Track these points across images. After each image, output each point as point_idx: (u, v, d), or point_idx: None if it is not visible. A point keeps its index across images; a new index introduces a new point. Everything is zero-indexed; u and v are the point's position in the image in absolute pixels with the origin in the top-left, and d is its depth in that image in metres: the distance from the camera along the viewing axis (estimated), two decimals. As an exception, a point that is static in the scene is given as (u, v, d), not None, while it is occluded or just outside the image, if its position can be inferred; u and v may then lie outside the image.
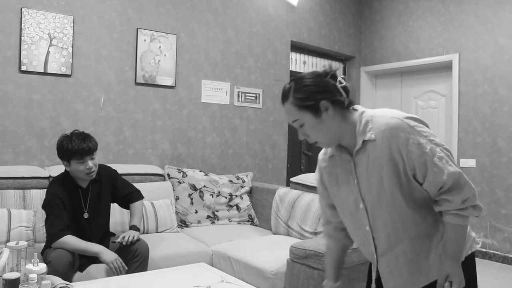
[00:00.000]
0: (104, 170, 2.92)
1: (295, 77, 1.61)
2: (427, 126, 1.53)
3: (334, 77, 1.57)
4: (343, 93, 1.55)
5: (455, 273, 1.50)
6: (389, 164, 1.49)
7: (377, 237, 1.61)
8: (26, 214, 3.00)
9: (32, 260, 1.97)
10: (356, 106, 1.62)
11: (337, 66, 1.57)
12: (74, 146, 2.61)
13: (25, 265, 2.01)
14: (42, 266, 1.97)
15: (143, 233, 3.40)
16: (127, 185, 3.07)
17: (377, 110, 1.59)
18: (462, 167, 5.04)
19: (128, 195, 3.02)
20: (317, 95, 1.52)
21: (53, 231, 2.58)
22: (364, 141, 1.54)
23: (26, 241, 2.84)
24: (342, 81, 1.56)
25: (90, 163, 2.68)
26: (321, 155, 1.80)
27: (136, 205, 3.01)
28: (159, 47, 4.21)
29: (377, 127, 1.51)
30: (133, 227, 2.85)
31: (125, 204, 3.04)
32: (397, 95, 6.05)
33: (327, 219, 1.84)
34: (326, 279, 1.85)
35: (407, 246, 1.56)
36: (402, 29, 5.75)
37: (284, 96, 1.59)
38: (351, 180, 1.62)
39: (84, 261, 2.64)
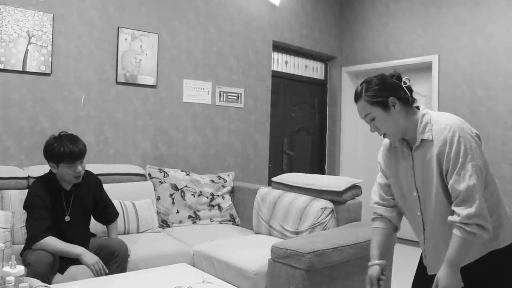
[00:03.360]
0: (88, 175, 2.89)
1: (365, 79, 1.87)
2: (479, 139, 1.71)
3: (399, 78, 1.84)
4: (407, 92, 1.80)
5: (443, 279, 1.66)
6: (437, 164, 1.72)
7: (426, 222, 1.84)
8: (4, 215, 2.94)
9: (10, 262, 1.95)
10: (419, 106, 1.84)
11: (399, 70, 1.81)
12: (66, 149, 2.58)
13: (2, 267, 1.99)
14: (20, 269, 1.95)
15: (123, 234, 3.38)
16: (107, 198, 3.06)
17: (437, 114, 1.79)
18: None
19: (105, 209, 3.02)
20: (385, 93, 1.78)
21: (34, 232, 2.54)
22: (423, 140, 1.77)
23: (4, 242, 2.81)
24: (407, 82, 1.83)
25: (79, 167, 2.66)
26: (387, 140, 2.01)
27: (115, 224, 3.06)
28: (141, 46, 4.18)
29: (435, 129, 1.72)
30: None
31: (100, 215, 3.02)
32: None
33: (382, 198, 2.02)
34: (371, 259, 1.96)
35: (445, 237, 1.74)
36: (383, 30, 5.81)
37: (357, 96, 1.86)
38: (408, 170, 1.86)
39: (64, 262, 2.60)
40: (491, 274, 1.74)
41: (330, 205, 3.27)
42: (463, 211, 1.62)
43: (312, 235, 2.97)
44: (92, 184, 2.91)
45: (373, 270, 1.92)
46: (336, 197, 3.33)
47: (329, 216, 3.23)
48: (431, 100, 5.33)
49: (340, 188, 3.31)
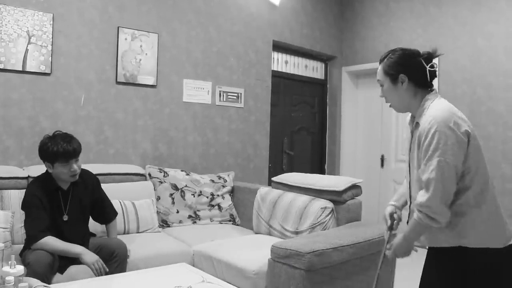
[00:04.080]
0: (86, 174, 2.89)
1: (396, 48, 1.98)
2: (467, 137, 1.74)
3: (429, 59, 1.89)
4: (428, 75, 1.87)
5: (396, 245, 1.94)
6: (417, 149, 1.84)
7: (411, 197, 1.96)
8: (4, 215, 2.94)
9: (9, 262, 1.95)
10: (433, 89, 1.90)
11: (439, 51, 1.92)
12: (60, 148, 2.57)
13: (2, 267, 1.98)
14: (20, 268, 1.95)
15: (123, 233, 3.38)
16: (105, 198, 3.05)
17: (436, 103, 1.83)
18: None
19: (103, 208, 3.01)
20: (400, 68, 1.89)
21: (33, 232, 2.54)
22: (417, 123, 1.87)
23: (4, 242, 2.80)
24: (434, 66, 1.88)
25: (74, 166, 2.65)
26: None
27: (114, 224, 3.06)
28: (140, 46, 4.18)
29: (424, 117, 1.81)
30: None
31: (97, 215, 3.01)
32: (378, 95, 6.07)
33: None
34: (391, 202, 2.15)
35: None
36: (383, 30, 5.81)
37: (381, 60, 2.00)
38: (408, 145, 1.98)
39: (63, 262, 2.60)
40: (460, 269, 1.80)
41: (330, 205, 3.27)
42: (419, 198, 1.78)
43: (312, 235, 2.97)
44: (90, 183, 2.90)
45: (388, 208, 2.13)
46: (336, 197, 3.33)
47: (329, 216, 3.23)
48: (431, 99, 5.32)
49: (340, 188, 3.31)
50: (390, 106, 2.02)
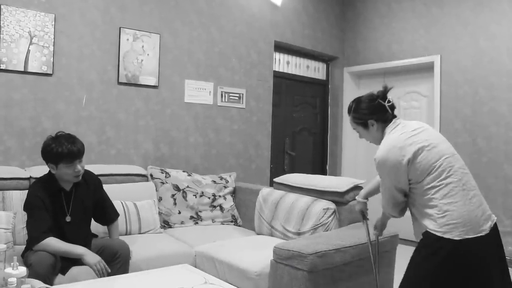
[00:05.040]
0: (88, 175, 2.88)
1: (357, 98, 2.39)
2: (406, 163, 2.08)
3: (384, 97, 2.26)
4: (389, 110, 2.25)
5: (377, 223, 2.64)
6: None
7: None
8: (6, 216, 2.92)
9: (12, 263, 1.94)
10: (395, 121, 2.25)
11: (390, 86, 2.32)
12: (64, 149, 2.56)
13: (4, 268, 1.98)
14: (22, 270, 1.94)
15: (125, 234, 3.37)
16: (107, 199, 3.04)
17: (387, 138, 2.21)
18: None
19: (105, 209, 3.00)
20: (366, 116, 2.29)
21: (35, 233, 2.53)
22: None
23: (6, 243, 2.80)
24: (390, 100, 2.27)
25: (78, 166, 2.64)
26: None
27: (115, 225, 3.05)
28: (142, 47, 4.17)
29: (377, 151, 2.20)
30: None
31: (99, 216, 3.00)
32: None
33: None
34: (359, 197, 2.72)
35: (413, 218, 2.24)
36: (385, 30, 5.80)
37: (349, 111, 2.40)
38: None
39: (65, 263, 2.59)
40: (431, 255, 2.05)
41: (332, 206, 3.26)
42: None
43: (314, 236, 2.96)
44: (92, 184, 2.89)
45: (361, 205, 2.71)
46: (338, 198, 3.32)
47: (331, 217, 3.22)
48: (433, 100, 5.32)
49: (342, 188, 3.30)
50: (369, 141, 2.42)
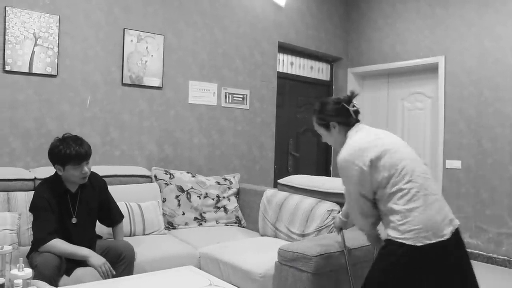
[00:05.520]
0: (94, 177, 2.87)
1: (322, 100, 2.40)
2: (368, 166, 2.07)
3: (349, 101, 2.29)
4: (353, 115, 2.27)
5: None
6: None
7: None
8: (11, 217, 2.94)
9: (18, 265, 1.94)
10: (358, 124, 2.27)
11: (356, 92, 2.36)
12: (72, 151, 2.56)
13: (10, 270, 1.98)
14: (28, 271, 1.94)
15: (129, 235, 3.37)
16: (112, 200, 3.05)
17: (349, 141, 2.21)
18: (448, 169, 5.09)
19: (109, 211, 3.00)
20: (329, 118, 2.29)
21: (41, 235, 2.54)
22: None
23: (11, 244, 2.80)
24: (355, 105, 2.28)
25: (85, 168, 2.65)
26: None
27: (120, 226, 3.05)
28: (146, 48, 4.18)
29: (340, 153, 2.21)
30: None
31: (104, 217, 3.00)
32: (383, 97, 6.09)
33: None
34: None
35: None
36: (389, 31, 5.79)
37: (313, 113, 2.38)
38: None
39: (70, 264, 2.59)
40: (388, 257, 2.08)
41: (336, 207, 3.25)
42: None
43: (319, 237, 2.95)
44: (97, 186, 2.90)
45: (340, 223, 2.67)
46: (342, 199, 3.29)
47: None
48: (437, 101, 5.30)
49: (347, 190, 3.28)
50: (331, 144, 2.41)
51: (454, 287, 2.01)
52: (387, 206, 2.06)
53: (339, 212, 3.19)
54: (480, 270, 4.42)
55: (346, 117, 2.27)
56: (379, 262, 2.12)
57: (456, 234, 2.04)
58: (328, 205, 3.27)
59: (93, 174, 2.84)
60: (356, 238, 2.80)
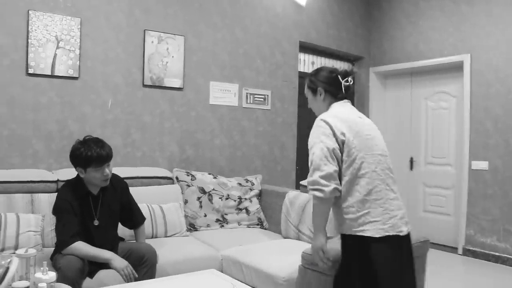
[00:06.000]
0: (115, 179, 2.87)
1: (320, 67, 2.43)
2: (328, 125, 2.12)
3: (345, 75, 2.31)
4: (343, 89, 2.29)
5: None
6: None
7: None
8: (35, 219, 2.96)
9: (41, 268, 1.95)
10: (346, 101, 2.30)
11: (355, 69, 2.25)
12: (94, 153, 2.56)
13: (34, 273, 1.99)
14: (52, 275, 1.95)
15: (151, 238, 3.36)
16: (134, 202, 3.03)
17: (336, 108, 2.25)
18: (474, 170, 4.97)
19: (131, 212, 2.99)
20: (318, 83, 2.32)
21: (63, 237, 2.54)
22: None
23: (35, 246, 2.83)
24: (349, 80, 2.30)
25: (107, 170, 2.65)
26: None
27: (142, 228, 3.04)
28: (167, 49, 4.17)
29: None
30: None
31: (126, 219, 2.99)
32: (407, 96, 5.98)
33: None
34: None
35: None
36: (412, 29, 5.68)
37: (308, 76, 2.41)
38: None
39: (93, 267, 2.59)
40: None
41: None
42: (308, 177, 2.17)
43: (343, 240, 2.89)
44: (119, 188, 2.89)
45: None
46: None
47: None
48: (462, 100, 5.18)
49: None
50: (314, 112, 2.41)
51: (405, 280, 2.09)
52: (350, 191, 2.08)
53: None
54: (509, 275, 4.31)
55: (335, 88, 2.29)
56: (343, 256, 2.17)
57: (408, 236, 2.12)
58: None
59: (114, 176, 2.84)
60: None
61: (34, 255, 2.05)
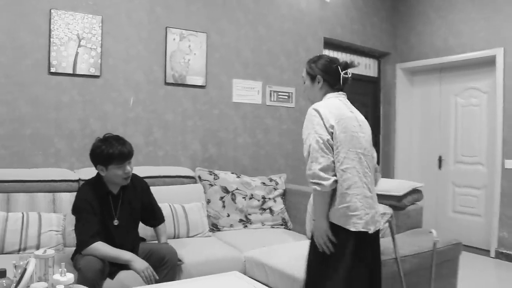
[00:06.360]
0: (136, 179, 2.82)
1: (321, 54, 2.45)
2: (320, 116, 2.15)
3: (345, 67, 2.32)
4: (341, 81, 2.31)
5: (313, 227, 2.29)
6: None
7: None
8: (56, 218, 2.95)
9: (60, 269, 1.90)
10: (342, 93, 2.33)
11: (356, 63, 2.40)
12: (115, 150, 2.53)
13: (53, 274, 1.94)
14: (70, 277, 1.90)
15: (173, 238, 3.30)
16: (155, 203, 2.98)
17: (331, 99, 2.27)
18: (508, 169, 4.76)
19: (153, 213, 2.94)
20: (318, 71, 2.32)
21: (83, 237, 2.49)
22: None
23: (56, 245, 2.81)
24: (348, 73, 2.31)
25: (128, 167, 2.61)
26: None
27: (163, 227, 2.98)
28: (189, 46, 4.11)
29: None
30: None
31: (147, 219, 2.93)
32: (435, 93, 5.79)
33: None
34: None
35: None
36: (441, 23, 5.49)
37: (307, 62, 2.41)
38: None
39: (114, 268, 2.54)
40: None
41: (389, 210, 3.05)
42: (307, 170, 2.24)
43: (371, 242, 2.77)
44: (139, 187, 2.84)
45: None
46: (395, 202, 3.12)
47: (388, 222, 3.02)
48: (494, 96, 4.97)
49: (400, 192, 3.10)
50: (308, 98, 2.45)
51: (373, 272, 2.21)
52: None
53: (391, 216, 3.01)
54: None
55: (334, 79, 2.30)
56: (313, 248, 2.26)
57: (377, 233, 2.24)
58: (380, 207, 3.07)
59: (134, 176, 2.79)
60: (410, 244, 2.62)
61: (52, 256, 2.01)
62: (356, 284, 2.12)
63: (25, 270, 1.80)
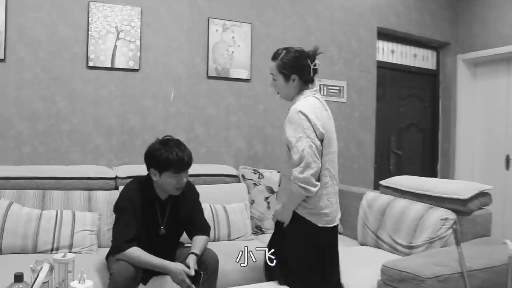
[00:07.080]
0: (188, 187, 2.55)
1: (287, 47, 2.37)
2: (309, 121, 2.18)
3: (313, 58, 2.31)
4: (312, 72, 2.31)
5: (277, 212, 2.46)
6: None
7: None
8: (91, 217, 2.84)
9: (79, 276, 1.74)
10: (313, 85, 2.37)
11: (319, 50, 2.34)
12: (175, 156, 2.30)
13: (72, 280, 1.81)
14: (89, 284, 1.76)
15: (213, 241, 3.10)
16: (202, 214, 2.70)
17: (310, 98, 2.30)
18: None
19: (198, 224, 2.63)
20: (292, 69, 2.29)
21: (118, 242, 2.31)
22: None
23: (90, 246, 2.73)
24: (316, 64, 2.33)
25: (184, 179, 2.39)
26: None
27: (203, 238, 2.58)
28: (232, 37, 3.91)
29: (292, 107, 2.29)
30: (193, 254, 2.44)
31: (190, 230, 2.63)
32: (503, 86, 5.30)
33: None
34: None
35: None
36: (509, 8, 5.00)
37: (274, 57, 2.38)
38: None
39: (147, 273, 2.37)
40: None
41: (452, 215, 2.71)
42: (293, 171, 2.20)
43: (431, 253, 2.46)
44: (188, 195, 2.59)
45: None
46: (459, 206, 2.76)
47: (451, 229, 2.67)
48: None
49: (465, 195, 2.74)
50: (279, 95, 2.43)
51: (335, 264, 2.37)
52: None
53: (455, 222, 2.67)
54: None
55: (305, 73, 2.30)
56: (292, 238, 2.33)
57: (336, 227, 2.37)
58: (441, 212, 2.75)
59: (186, 184, 2.54)
60: (479, 256, 2.28)
61: (72, 260, 1.86)
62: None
63: (37, 276, 1.65)
